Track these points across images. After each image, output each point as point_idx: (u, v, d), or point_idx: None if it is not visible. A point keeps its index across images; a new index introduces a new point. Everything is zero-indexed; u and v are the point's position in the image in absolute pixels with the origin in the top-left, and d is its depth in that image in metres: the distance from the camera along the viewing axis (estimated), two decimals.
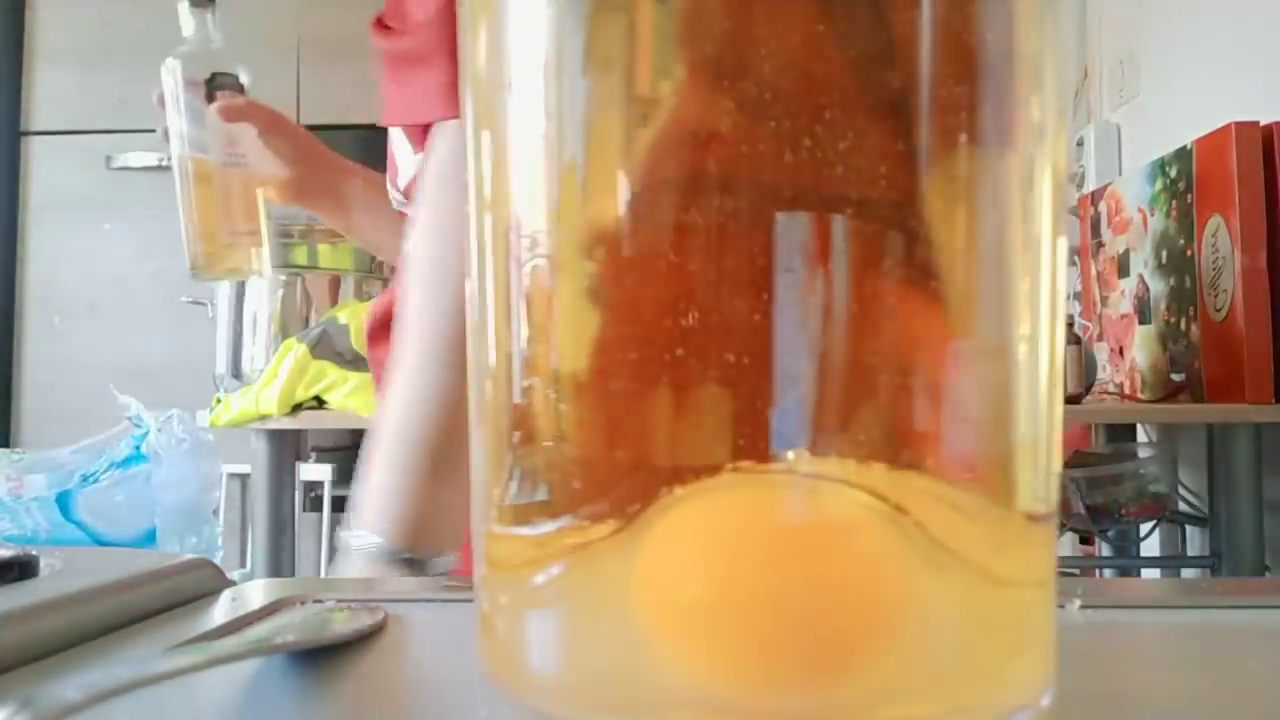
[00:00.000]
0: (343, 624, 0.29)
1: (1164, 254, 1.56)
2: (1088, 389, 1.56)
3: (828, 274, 0.19)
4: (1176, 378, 1.52)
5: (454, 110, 0.54)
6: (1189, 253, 1.48)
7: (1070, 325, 1.62)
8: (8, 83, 2.82)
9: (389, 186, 0.72)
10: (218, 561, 0.39)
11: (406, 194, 0.67)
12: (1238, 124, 1.37)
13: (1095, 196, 1.84)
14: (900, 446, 0.20)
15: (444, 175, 0.55)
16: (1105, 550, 1.82)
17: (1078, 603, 0.31)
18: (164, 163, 1.39)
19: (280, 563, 1.54)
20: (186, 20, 0.85)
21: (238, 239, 0.84)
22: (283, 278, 1.60)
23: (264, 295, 1.62)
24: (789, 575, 0.19)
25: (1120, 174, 2.04)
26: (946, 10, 0.20)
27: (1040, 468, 0.21)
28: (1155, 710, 0.24)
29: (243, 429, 1.53)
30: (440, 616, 0.32)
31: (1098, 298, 1.82)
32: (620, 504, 0.20)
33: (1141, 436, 1.87)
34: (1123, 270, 1.71)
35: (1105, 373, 1.75)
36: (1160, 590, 0.37)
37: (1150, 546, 1.83)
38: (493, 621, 0.23)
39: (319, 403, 1.48)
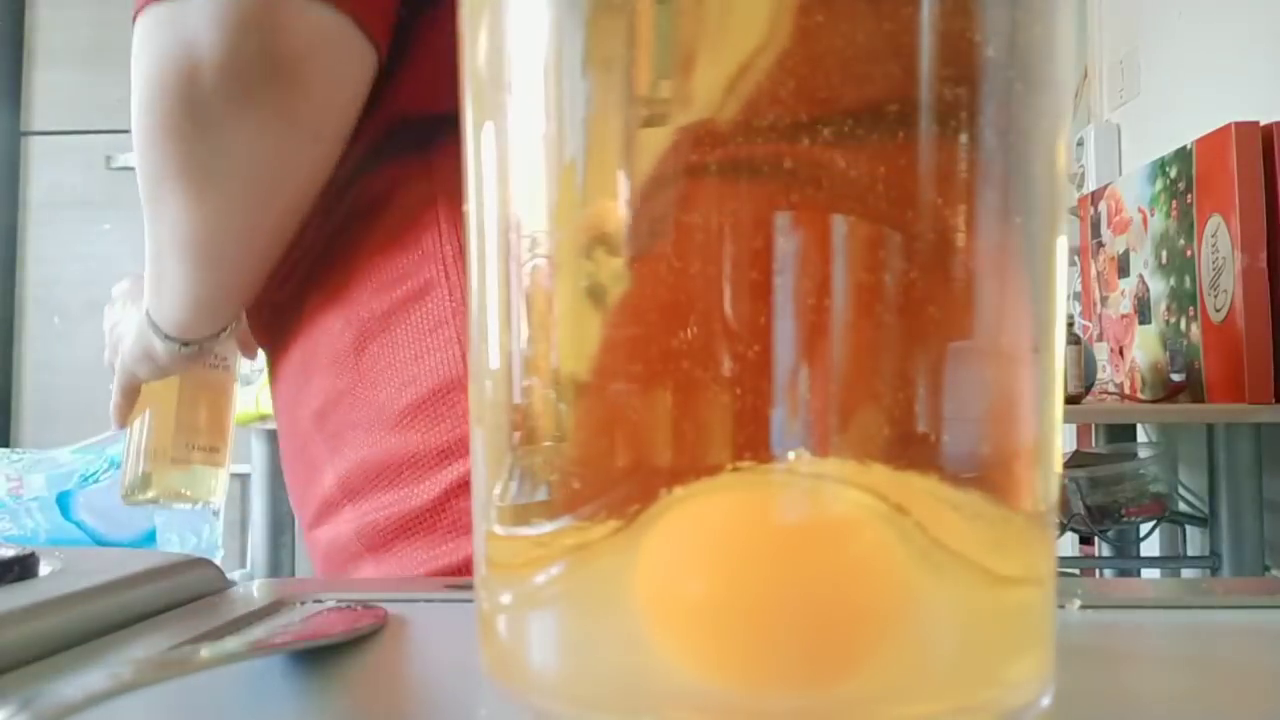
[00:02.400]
0: (343, 624, 0.29)
1: (1164, 254, 1.56)
2: (1088, 389, 1.56)
3: (827, 274, 0.19)
4: (1176, 378, 1.52)
5: None
6: (1189, 253, 1.48)
7: (1070, 325, 1.62)
8: (8, 83, 2.82)
9: None
10: (218, 561, 0.39)
11: None
12: (1238, 124, 1.37)
13: (1095, 196, 1.84)
14: (900, 446, 0.20)
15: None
16: (1105, 550, 1.82)
17: (1078, 603, 0.31)
18: None
19: (280, 563, 1.54)
20: None
21: (192, 456, 0.69)
22: None
23: None
24: (788, 575, 0.19)
25: (1120, 174, 2.04)
26: (946, 10, 0.20)
27: (1040, 468, 0.21)
28: (1155, 710, 0.24)
29: (243, 429, 1.52)
30: (440, 616, 0.32)
31: (1098, 298, 1.82)
32: (620, 504, 0.20)
33: (1141, 436, 1.87)
34: (1123, 270, 1.71)
35: (1105, 373, 1.75)
36: (1160, 590, 0.37)
37: (1150, 546, 1.83)
38: (493, 621, 0.23)
39: None
